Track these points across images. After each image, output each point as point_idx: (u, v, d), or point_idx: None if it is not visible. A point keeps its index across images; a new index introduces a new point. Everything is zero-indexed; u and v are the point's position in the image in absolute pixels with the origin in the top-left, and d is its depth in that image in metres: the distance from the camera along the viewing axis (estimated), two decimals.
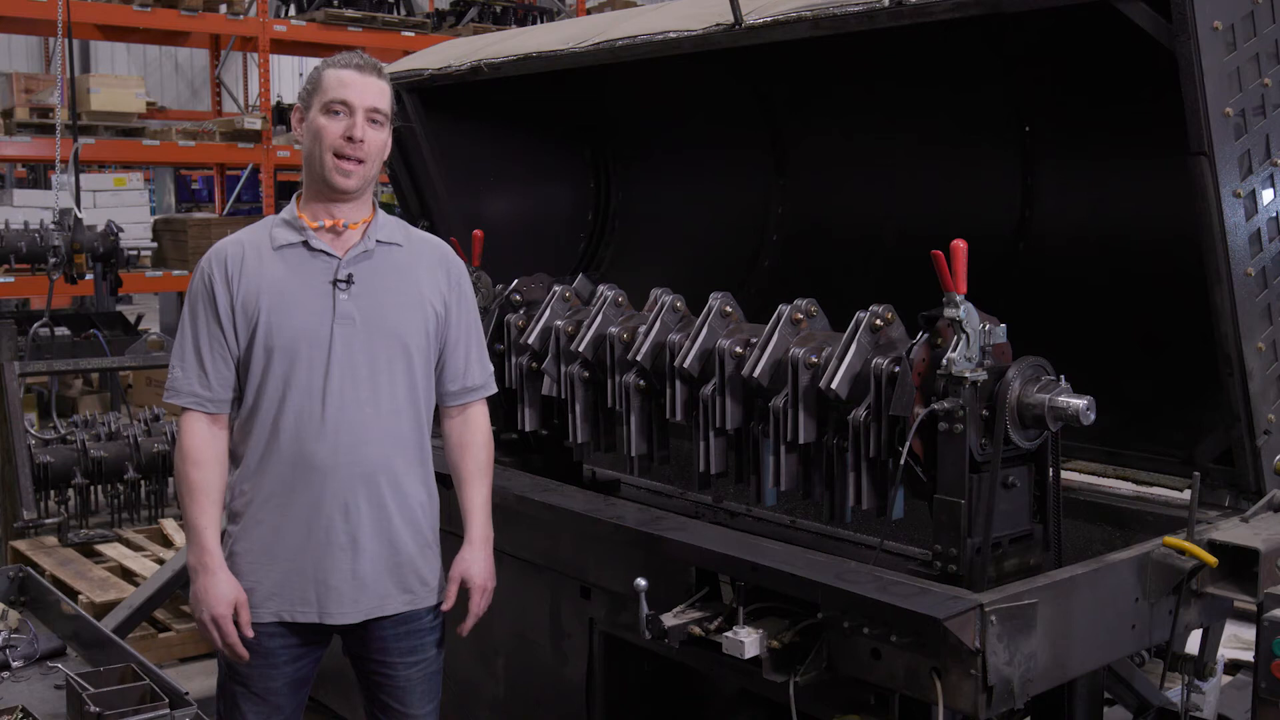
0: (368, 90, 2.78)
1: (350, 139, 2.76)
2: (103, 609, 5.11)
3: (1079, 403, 2.73)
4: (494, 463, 3.06)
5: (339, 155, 2.77)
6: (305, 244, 2.82)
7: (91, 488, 6.91)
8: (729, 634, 2.70)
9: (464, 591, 2.93)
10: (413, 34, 13.24)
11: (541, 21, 14.04)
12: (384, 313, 2.82)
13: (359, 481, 2.79)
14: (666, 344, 3.42)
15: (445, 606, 2.94)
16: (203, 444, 2.78)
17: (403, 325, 2.84)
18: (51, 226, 9.82)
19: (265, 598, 2.80)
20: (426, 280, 2.91)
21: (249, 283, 2.78)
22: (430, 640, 2.95)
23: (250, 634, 2.76)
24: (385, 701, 2.94)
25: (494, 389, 3.08)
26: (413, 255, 2.92)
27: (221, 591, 2.74)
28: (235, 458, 2.85)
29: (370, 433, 2.80)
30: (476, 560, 2.94)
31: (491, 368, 3.08)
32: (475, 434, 3.01)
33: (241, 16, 12.66)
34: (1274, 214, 2.92)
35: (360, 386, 2.79)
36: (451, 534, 2.99)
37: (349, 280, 2.80)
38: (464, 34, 11.78)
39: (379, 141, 2.82)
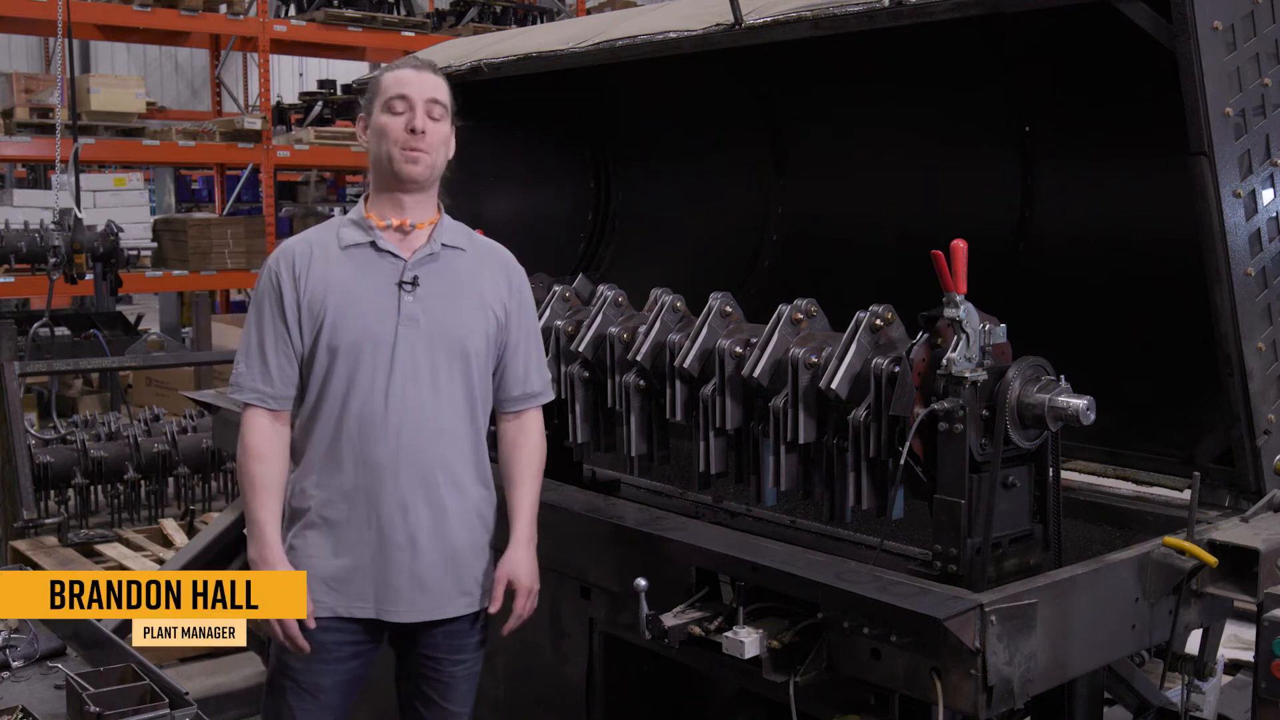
0: (425, 84, 2.84)
1: (413, 131, 2.79)
2: None
3: (1079, 403, 2.73)
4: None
5: (405, 147, 2.80)
6: (373, 244, 2.85)
7: (91, 488, 6.91)
8: (729, 634, 2.70)
9: (508, 592, 2.95)
10: (413, 34, 13.26)
11: (541, 21, 14.04)
12: (447, 316, 2.85)
13: (418, 482, 2.81)
14: (666, 344, 3.42)
15: (493, 609, 2.94)
16: (265, 439, 2.81)
17: (465, 329, 2.87)
18: (51, 226, 9.84)
19: (323, 593, 2.81)
20: (489, 285, 2.94)
21: (316, 282, 2.81)
22: (477, 640, 2.98)
23: (313, 625, 2.78)
24: (429, 695, 2.96)
25: (551, 395, 3.11)
26: (476, 260, 2.95)
27: None
28: (296, 455, 2.87)
29: (431, 434, 2.82)
30: (522, 562, 2.95)
31: (549, 375, 3.10)
32: (529, 438, 3.03)
33: (241, 16, 12.67)
34: (1274, 214, 2.92)
35: (422, 388, 2.81)
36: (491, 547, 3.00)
37: (414, 282, 2.83)
38: (464, 34, 11.78)
39: (441, 133, 2.86)
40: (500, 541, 2.99)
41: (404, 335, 2.80)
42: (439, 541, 2.84)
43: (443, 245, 2.89)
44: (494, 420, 3.03)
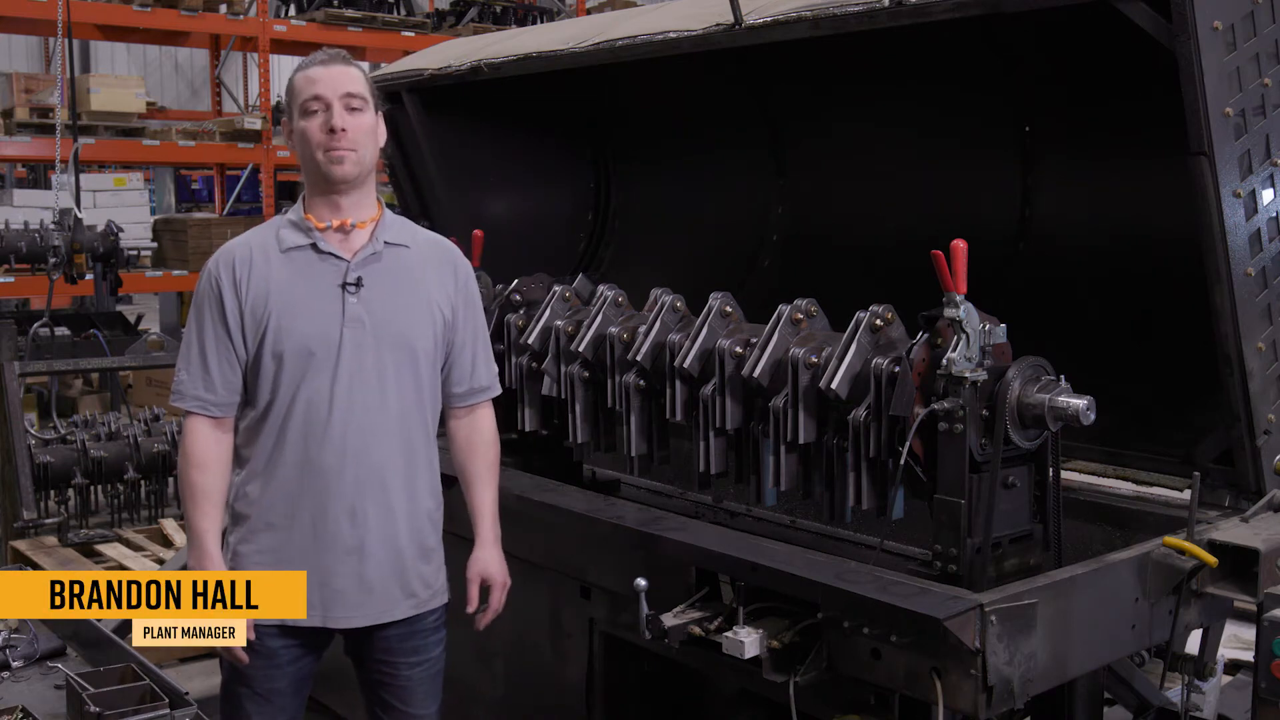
0: (337, 80, 2.76)
1: (332, 130, 2.73)
2: None
3: (1079, 403, 2.73)
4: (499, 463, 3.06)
5: (327, 149, 2.75)
6: (314, 246, 2.80)
7: (91, 488, 6.91)
8: (729, 634, 2.70)
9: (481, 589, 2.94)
10: (413, 34, 13.25)
11: (541, 21, 14.04)
12: (393, 316, 2.81)
13: (366, 485, 2.78)
14: (666, 344, 3.42)
15: (470, 609, 2.93)
16: (206, 448, 2.77)
17: (411, 328, 2.83)
18: (51, 226, 9.82)
19: None
20: (434, 282, 2.90)
21: (257, 287, 2.76)
22: (433, 641, 2.95)
23: (252, 636, 2.75)
24: (388, 701, 2.94)
25: (499, 390, 3.08)
26: (420, 257, 2.91)
27: None
28: (241, 460, 2.83)
29: (378, 436, 2.79)
30: (491, 560, 2.95)
31: (496, 368, 3.08)
32: (482, 435, 3.01)
33: (241, 16, 12.67)
34: (1274, 214, 2.92)
35: (369, 390, 2.78)
36: (453, 534, 2.99)
37: (358, 283, 2.78)
38: (464, 34, 11.79)
39: (364, 125, 2.78)
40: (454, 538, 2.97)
41: (349, 338, 2.75)
42: (386, 544, 2.81)
43: (385, 243, 2.84)
44: (444, 418, 3.00)
